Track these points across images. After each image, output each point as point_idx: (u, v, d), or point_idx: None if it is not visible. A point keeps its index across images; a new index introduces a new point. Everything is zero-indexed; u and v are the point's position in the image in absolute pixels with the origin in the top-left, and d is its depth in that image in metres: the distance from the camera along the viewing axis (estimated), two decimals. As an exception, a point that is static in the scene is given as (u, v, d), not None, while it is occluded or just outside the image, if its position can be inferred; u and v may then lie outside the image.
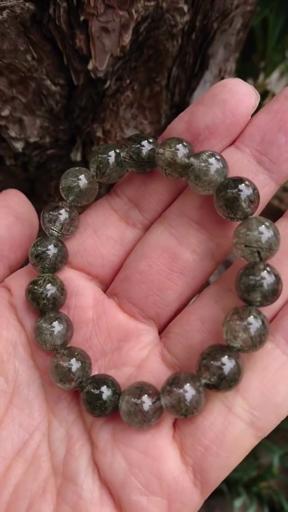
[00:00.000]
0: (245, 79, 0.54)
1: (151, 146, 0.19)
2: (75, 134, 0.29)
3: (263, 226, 0.17)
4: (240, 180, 0.17)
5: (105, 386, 0.18)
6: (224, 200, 0.17)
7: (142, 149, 0.19)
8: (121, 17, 0.22)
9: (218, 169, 0.17)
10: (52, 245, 0.20)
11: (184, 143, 0.18)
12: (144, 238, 0.20)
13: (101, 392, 0.18)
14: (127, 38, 0.23)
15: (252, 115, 0.18)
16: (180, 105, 0.32)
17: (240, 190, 0.17)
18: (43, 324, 0.19)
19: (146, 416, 0.18)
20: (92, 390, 0.18)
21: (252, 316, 0.17)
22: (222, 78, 0.34)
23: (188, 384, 0.17)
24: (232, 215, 0.17)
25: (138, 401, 0.18)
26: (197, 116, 0.18)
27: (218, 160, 0.17)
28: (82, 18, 0.21)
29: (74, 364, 0.19)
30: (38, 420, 0.19)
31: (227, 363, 0.17)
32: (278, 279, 0.17)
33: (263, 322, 0.17)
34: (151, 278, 0.20)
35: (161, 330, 0.21)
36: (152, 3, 0.23)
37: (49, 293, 0.20)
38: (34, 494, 0.18)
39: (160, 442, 0.18)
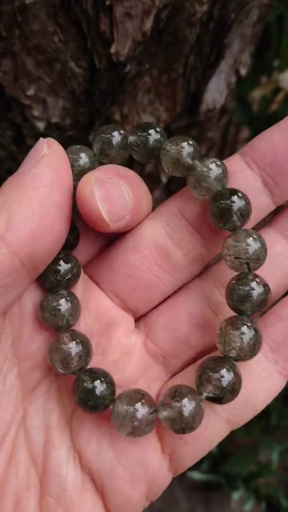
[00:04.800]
0: (259, 76, 0.55)
1: (158, 136, 0.19)
2: (94, 117, 0.30)
3: (251, 238, 0.18)
4: (234, 191, 0.18)
5: (99, 381, 0.17)
6: (217, 209, 0.18)
7: (149, 138, 0.18)
8: (144, 3, 0.24)
9: (218, 176, 0.18)
10: None
11: (190, 142, 0.18)
12: (138, 231, 0.20)
13: (95, 387, 0.17)
14: (148, 24, 0.24)
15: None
16: (195, 94, 0.34)
17: (233, 202, 0.17)
18: (54, 302, 0.18)
19: (138, 425, 0.17)
20: (86, 384, 0.17)
21: (245, 326, 0.17)
22: (237, 70, 0.36)
23: (187, 397, 0.17)
24: (222, 225, 0.18)
25: (132, 409, 0.17)
26: None
27: (218, 166, 0.18)
28: (107, 3, 0.23)
29: (75, 349, 0.18)
30: (12, 413, 0.18)
31: (226, 375, 0.17)
32: (267, 289, 0.18)
33: (256, 331, 0.17)
34: (141, 274, 0.19)
35: (136, 319, 0.21)
36: (174, -8, 0.24)
37: (66, 270, 0.18)
38: (20, 490, 0.17)
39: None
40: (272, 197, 0.19)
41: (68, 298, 0.18)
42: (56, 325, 0.18)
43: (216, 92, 0.35)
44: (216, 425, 0.18)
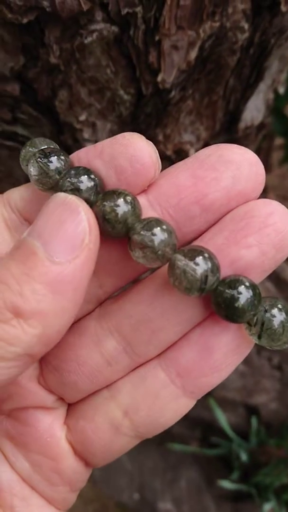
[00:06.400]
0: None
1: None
2: (138, 137, 0.32)
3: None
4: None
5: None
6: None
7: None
8: (189, 36, 0.25)
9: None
10: None
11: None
12: None
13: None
14: (193, 54, 0.26)
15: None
16: (234, 113, 0.35)
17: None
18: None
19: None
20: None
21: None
22: (275, 89, 0.37)
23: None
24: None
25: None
26: None
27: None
28: (156, 38, 0.25)
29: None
30: None
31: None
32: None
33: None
34: None
35: None
36: (218, 23, 0.26)
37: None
38: None
39: (56, 443, 0.19)
40: None
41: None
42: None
43: (254, 110, 0.36)
44: (123, 442, 0.19)
